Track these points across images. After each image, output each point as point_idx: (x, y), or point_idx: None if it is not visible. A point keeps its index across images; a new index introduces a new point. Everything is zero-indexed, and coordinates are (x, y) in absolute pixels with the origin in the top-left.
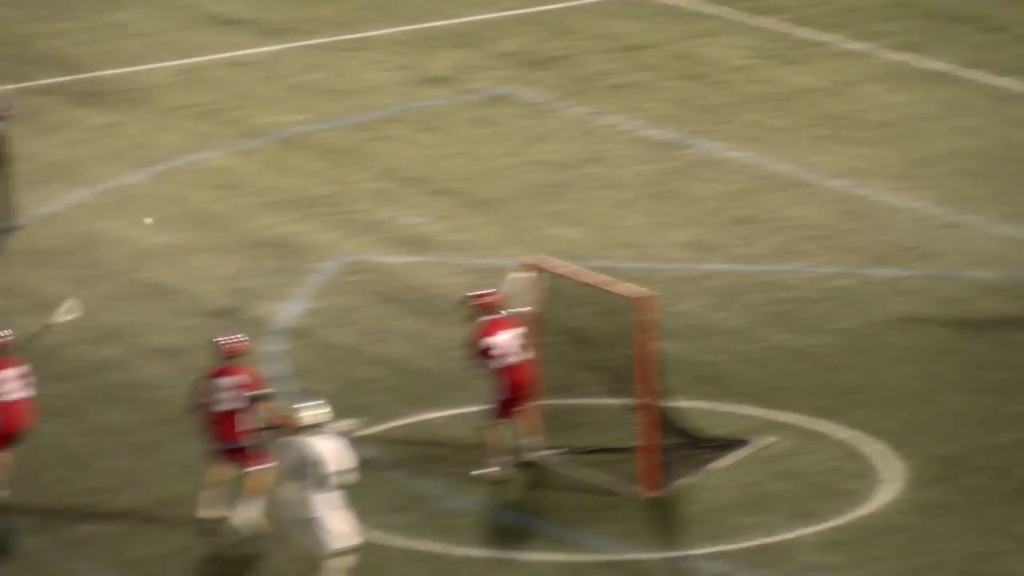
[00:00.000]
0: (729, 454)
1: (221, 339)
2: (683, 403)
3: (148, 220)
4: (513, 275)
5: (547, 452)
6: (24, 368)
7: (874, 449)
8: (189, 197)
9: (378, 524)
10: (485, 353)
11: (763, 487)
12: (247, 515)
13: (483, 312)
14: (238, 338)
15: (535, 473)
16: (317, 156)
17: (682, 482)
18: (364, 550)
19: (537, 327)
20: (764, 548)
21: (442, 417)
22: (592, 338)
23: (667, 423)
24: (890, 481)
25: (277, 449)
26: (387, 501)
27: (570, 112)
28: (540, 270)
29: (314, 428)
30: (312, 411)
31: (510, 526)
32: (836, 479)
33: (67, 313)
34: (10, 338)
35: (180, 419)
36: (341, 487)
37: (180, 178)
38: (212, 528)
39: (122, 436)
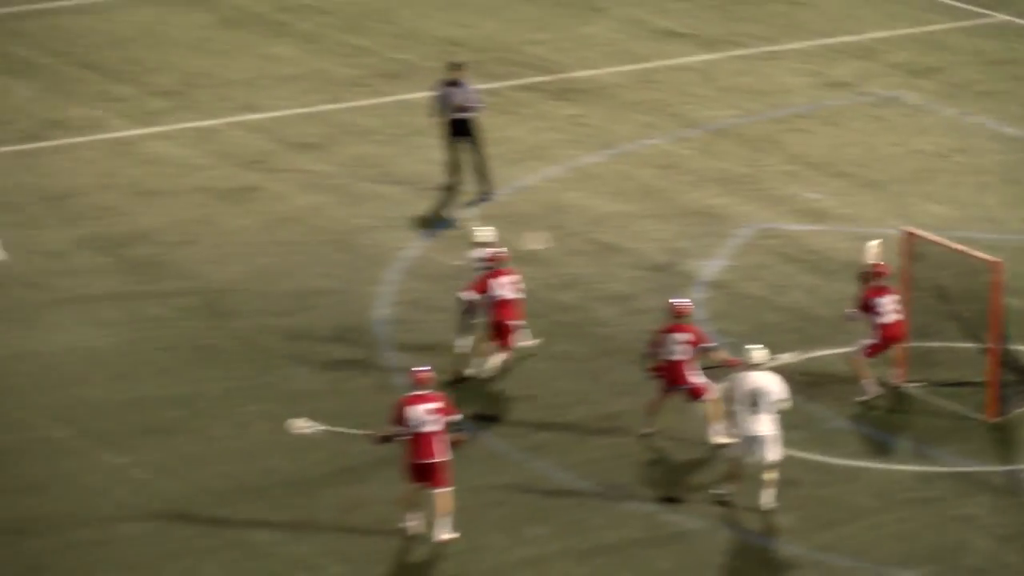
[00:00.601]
0: None
1: (673, 301)
2: (1022, 347)
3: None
4: (870, 243)
5: (910, 384)
6: (516, 276)
7: None
8: (637, 175)
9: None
10: (870, 309)
11: None
12: (717, 435)
13: (874, 278)
14: (686, 302)
15: (900, 401)
16: (740, 143)
17: (1019, 411)
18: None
19: (907, 284)
20: None
21: (831, 355)
22: (952, 294)
23: (1009, 363)
24: None
25: (730, 383)
26: (785, 421)
27: (944, 112)
28: (911, 238)
29: (759, 366)
30: (759, 353)
31: (879, 441)
32: None
33: (538, 242)
34: (505, 253)
35: (623, 350)
36: (778, 412)
37: (631, 160)
38: (650, 440)
39: (576, 363)
